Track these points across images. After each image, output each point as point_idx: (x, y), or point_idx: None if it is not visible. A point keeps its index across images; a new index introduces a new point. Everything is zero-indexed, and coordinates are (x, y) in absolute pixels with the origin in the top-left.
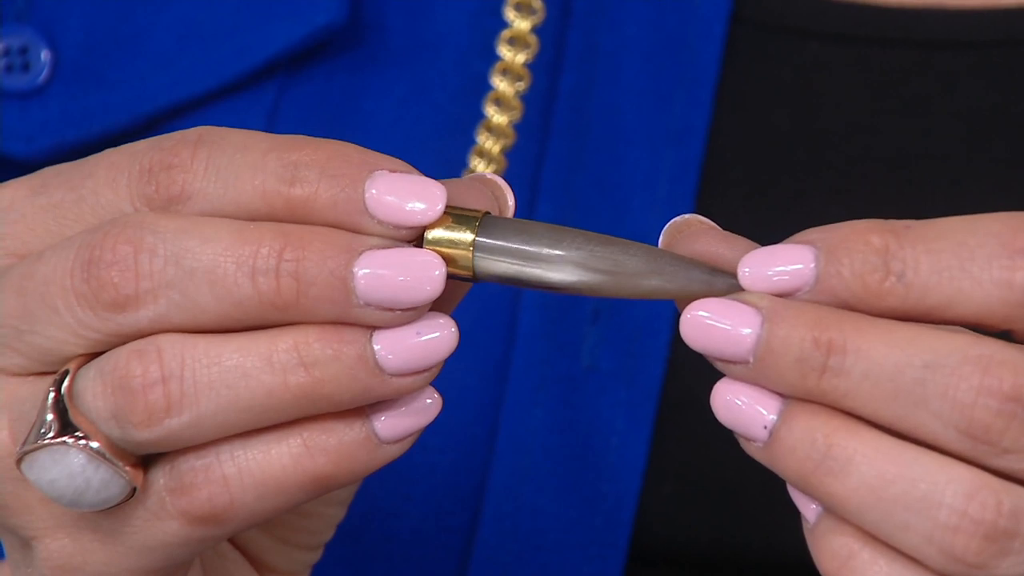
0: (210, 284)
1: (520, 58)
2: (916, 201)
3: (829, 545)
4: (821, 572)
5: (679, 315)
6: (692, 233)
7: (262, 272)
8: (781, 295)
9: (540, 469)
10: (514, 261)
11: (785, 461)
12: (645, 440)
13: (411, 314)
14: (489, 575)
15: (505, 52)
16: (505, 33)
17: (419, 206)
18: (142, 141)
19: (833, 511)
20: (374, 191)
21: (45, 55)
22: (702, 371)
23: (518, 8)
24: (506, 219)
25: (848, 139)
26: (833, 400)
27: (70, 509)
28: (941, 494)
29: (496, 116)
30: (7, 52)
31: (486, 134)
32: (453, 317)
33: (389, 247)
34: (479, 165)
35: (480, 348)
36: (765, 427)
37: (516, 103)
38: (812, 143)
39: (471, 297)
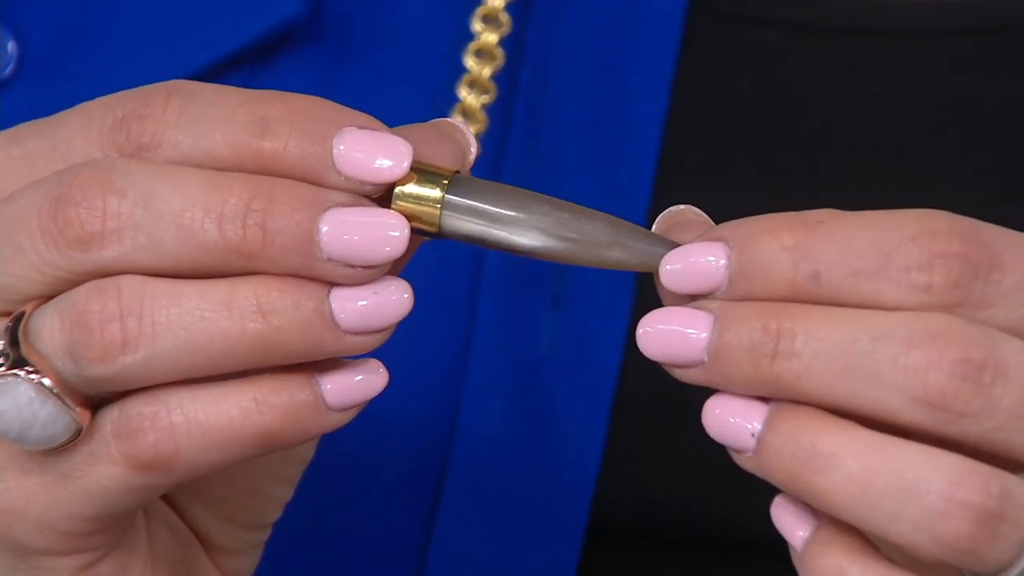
0: (177, 228)
1: (487, 71)
2: (875, 189)
3: (817, 568)
4: None
5: (636, 301)
6: (684, 223)
7: (229, 220)
8: (699, 295)
9: (500, 455)
10: (480, 222)
11: (773, 464)
12: (603, 425)
13: (372, 272)
14: (449, 559)
15: (472, 64)
16: (473, 45)
17: (386, 163)
18: (116, 93)
19: (822, 509)
20: (342, 147)
21: (11, 47)
22: None
23: (486, 20)
24: (475, 179)
25: (807, 128)
26: (788, 384)
27: (16, 444)
28: (928, 481)
29: (468, 98)
30: None
31: None
32: (413, 289)
33: (355, 204)
34: None
35: (440, 336)
36: (753, 435)
37: (482, 115)
38: (771, 132)
39: (430, 284)
